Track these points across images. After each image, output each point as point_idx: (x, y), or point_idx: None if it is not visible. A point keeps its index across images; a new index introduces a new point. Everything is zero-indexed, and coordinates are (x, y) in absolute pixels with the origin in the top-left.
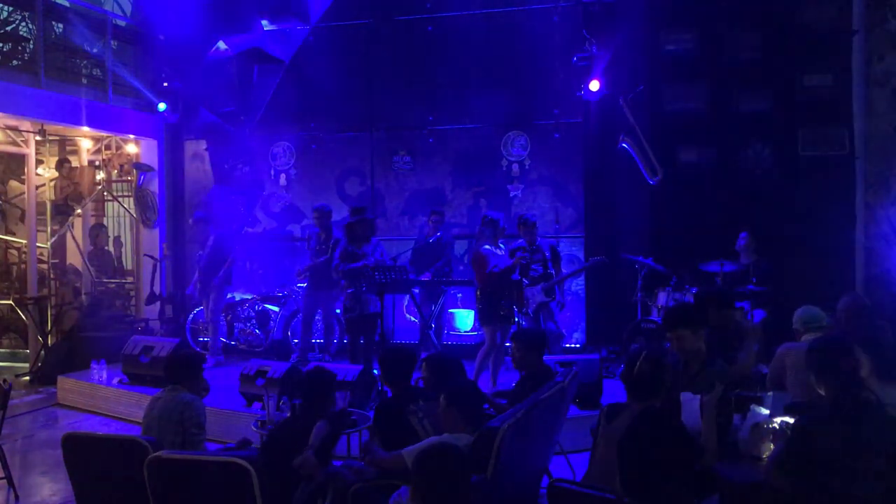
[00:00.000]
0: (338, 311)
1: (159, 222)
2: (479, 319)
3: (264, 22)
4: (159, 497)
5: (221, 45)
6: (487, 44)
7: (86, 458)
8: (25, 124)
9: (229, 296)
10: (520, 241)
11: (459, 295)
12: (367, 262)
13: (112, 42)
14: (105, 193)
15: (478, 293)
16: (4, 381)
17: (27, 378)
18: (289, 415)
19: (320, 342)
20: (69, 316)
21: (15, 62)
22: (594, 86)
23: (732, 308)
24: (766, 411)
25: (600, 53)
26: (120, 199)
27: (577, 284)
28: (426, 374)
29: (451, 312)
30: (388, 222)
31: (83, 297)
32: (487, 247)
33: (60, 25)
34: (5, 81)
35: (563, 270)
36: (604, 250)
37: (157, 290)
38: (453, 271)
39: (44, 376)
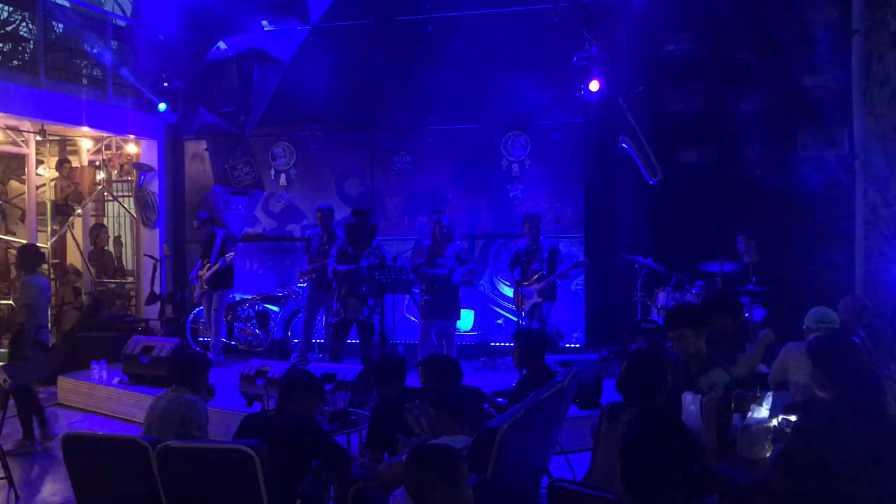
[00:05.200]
0: None
1: (159, 222)
2: (454, 315)
3: (264, 22)
4: (167, 486)
5: (221, 45)
6: (487, 44)
7: (86, 458)
8: (25, 124)
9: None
10: (524, 240)
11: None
12: (360, 265)
13: (112, 42)
14: (105, 193)
15: (429, 291)
16: (5, 381)
17: None
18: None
19: (320, 342)
20: (69, 316)
21: (15, 62)
22: (594, 86)
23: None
24: (766, 411)
25: (600, 53)
26: (120, 199)
27: (578, 284)
28: (423, 377)
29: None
30: (388, 222)
31: (83, 297)
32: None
33: (60, 25)
34: (5, 81)
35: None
36: (604, 250)
37: (157, 290)
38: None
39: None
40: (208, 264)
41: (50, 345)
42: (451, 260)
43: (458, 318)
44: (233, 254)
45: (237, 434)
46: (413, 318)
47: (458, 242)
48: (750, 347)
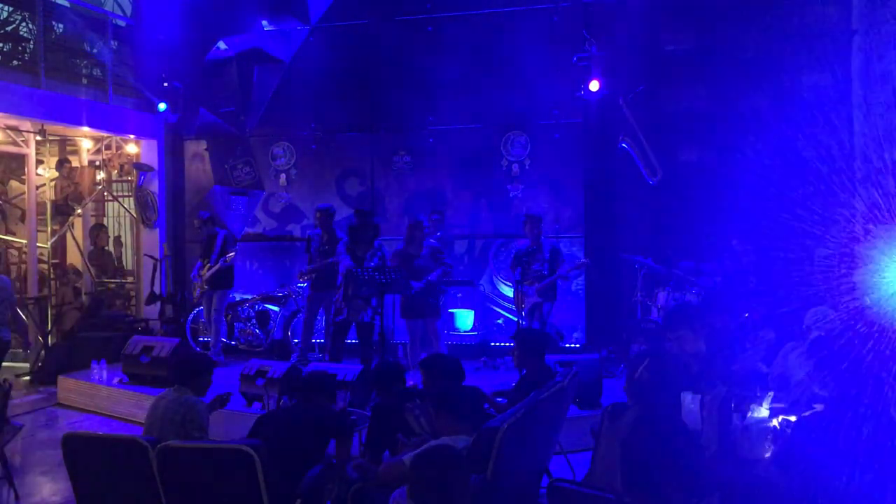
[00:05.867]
0: None
1: (159, 222)
2: (431, 314)
3: (264, 22)
4: (167, 485)
5: (221, 45)
6: (487, 44)
7: (86, 458)
8: (25, 124)
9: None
10: (525, 241)
11: (459, 295)
12: (366, 266)
13: (112, 42)
14: (105, 193)
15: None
16: (4, 381)
17: (27, 378)
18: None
19: (320, 342)
20: (69, 316)
21: (15, 62)
22: (594, 86)
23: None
24: (766, 411)
25: (600, 53)
26: (120, 199)
27: (578, 284)
28: (424, 377)
29: (451, 312)
30: (388, 222)
31: (83, 297)
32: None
33: (60, 25)
34: (5, 81)
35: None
36: (604, 250)
37: (157, 290)
38: (453, 271)
39: (44, 376)
40: (209, 264)
41: (49, 344)
42: (426, 260)
43: (438, 317)
44: (234, 254)
45: (253, 432)
46: None
47: (434, 242)
48: (750, 347)
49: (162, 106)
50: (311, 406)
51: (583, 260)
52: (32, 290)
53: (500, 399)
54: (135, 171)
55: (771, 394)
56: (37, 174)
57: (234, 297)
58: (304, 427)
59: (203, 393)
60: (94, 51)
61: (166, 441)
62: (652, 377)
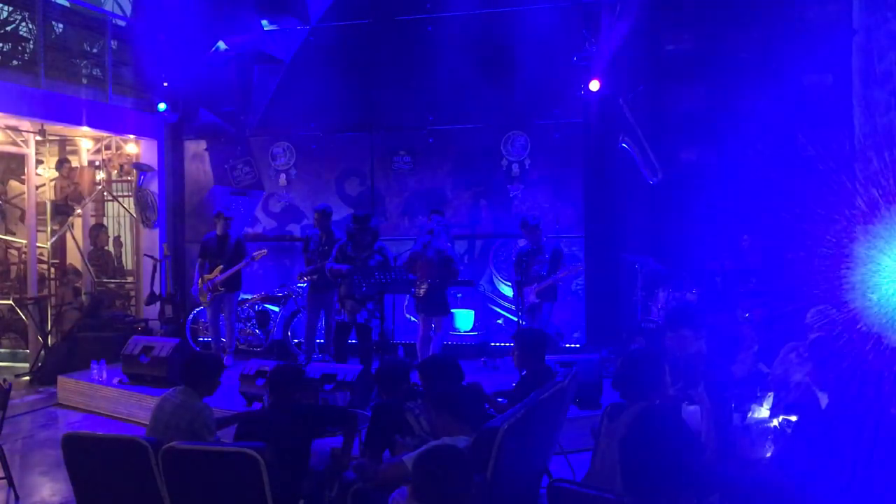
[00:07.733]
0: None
1: (159, 222)
2: (445, 310)
3: (264, 22)
4: (171, 487)
5: (221, 45)
6: (487, 44)
7: (86, 458)
8: (25, 124)
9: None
10: (526, 241)
11: (459, 295)
12: (352, 267)
13: (112, 42)
14: (105, 193)
15: (433, 288)
16: (4, 381)
17: (27, 378)
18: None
19: (321, 342)
20: (69, 316)
21: (15, 62)
22: (594, 86)
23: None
24: (766, 411)
25: (600, 53)
26: (120, 199)
27: (578, 284)
28: (422, 379)
29: (451, 312)
30: (388, 222)
31: (83, 297)
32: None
33: (60, 25)
34: (5, 81)
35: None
36: (604, 250)
37: (157, 290)
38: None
39: (44, 376)
40: (221, 266)
41: (49, 344)
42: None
43: (445, 315)
44: (265, 251)
45: (238, 435)
46: (413, 318)
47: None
48: (750, 347)
49: (162, 106)
50: (287, 404)
51: (579, 263)
52: (32, 290)
53: (500, 399)
54: (134, 171)
55: (771, 394)
56: (36, 174)
57: None
58: (284, 428)
59: (211, 393)
60: (94, 50)
61: (171, 442)
62: (626, 372)
